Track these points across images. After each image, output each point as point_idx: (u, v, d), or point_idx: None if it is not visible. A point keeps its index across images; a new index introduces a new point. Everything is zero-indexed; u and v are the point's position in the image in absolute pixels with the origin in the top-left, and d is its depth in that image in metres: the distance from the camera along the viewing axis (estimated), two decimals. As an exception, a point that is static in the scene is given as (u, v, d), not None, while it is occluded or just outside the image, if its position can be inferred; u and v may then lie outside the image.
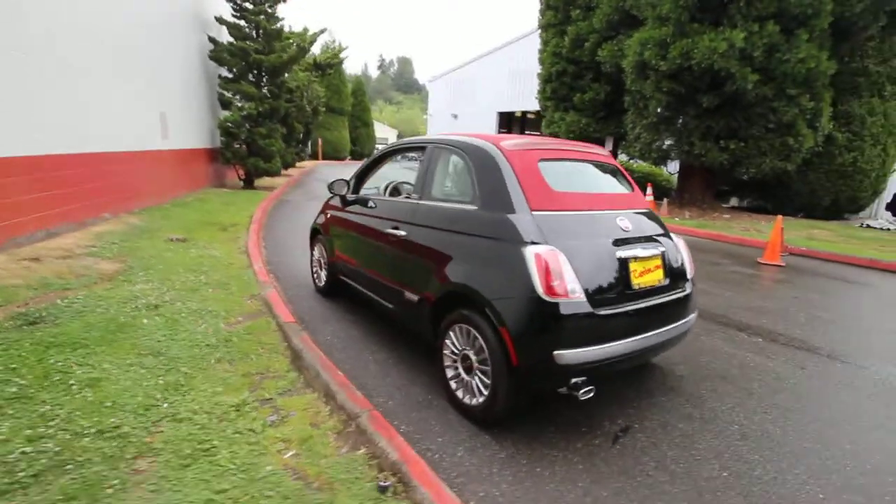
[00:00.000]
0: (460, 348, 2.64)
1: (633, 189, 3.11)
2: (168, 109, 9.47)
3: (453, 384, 2.70)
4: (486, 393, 2.46)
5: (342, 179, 4.11)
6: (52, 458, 1.98)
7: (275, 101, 12.43)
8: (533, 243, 2.34)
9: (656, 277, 2.67)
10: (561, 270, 2.27)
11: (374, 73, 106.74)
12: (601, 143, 12.52)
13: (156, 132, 8.97)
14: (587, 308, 2.30)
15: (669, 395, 3.01)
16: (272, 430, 2.34)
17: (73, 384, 2.55)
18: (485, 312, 2.41)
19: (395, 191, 4.19)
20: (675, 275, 2.82)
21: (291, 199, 11.95)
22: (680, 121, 9.74)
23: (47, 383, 2.53)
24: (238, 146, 12.28)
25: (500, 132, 26.53)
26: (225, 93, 12.02)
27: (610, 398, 2.91)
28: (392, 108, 72.60)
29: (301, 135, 20.26)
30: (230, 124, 11.69)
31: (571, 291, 2.26)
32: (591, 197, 2.78)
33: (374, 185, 4.26)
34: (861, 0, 8.23)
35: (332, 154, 32.42)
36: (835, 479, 2.26)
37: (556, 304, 2.24)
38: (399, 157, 3.95)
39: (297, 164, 21.61)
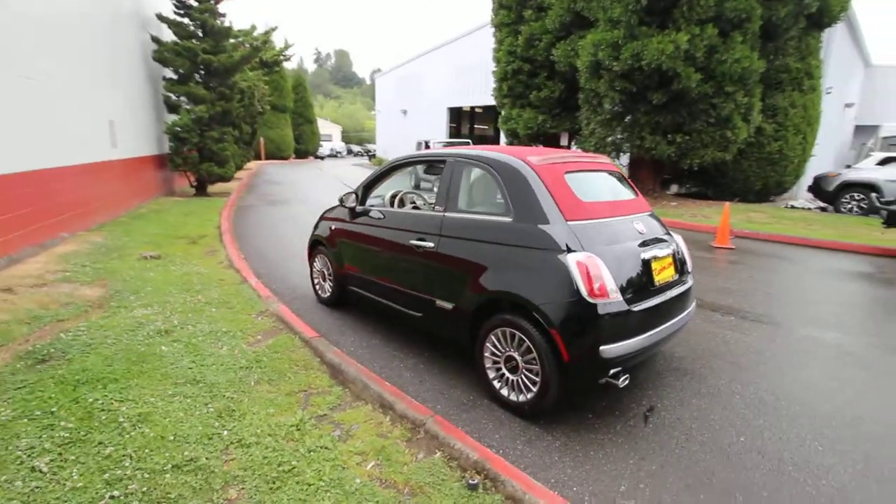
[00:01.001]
0: (503, 350, 2.85)
1: (636, 194, 3.44)
2: (116, 116, 8.83)
3: (497, 384, 2.91)
4: (534, 389, 2.69)
5: (351, 192, 4.16)
6: (143, 499, 1.98)
7: (227, 103, 11.90)
8: (572, 251, 2.58)
9: (670, 273, 3.01)
10: (601, 274, 2.53)
11: (310, 66, 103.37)
12: (557, 139, 13.13)
13: (104, 141, 8.35)
14: (624, 306, 2.58)
15: (677, 375, 3.39)
16: (343, 445, 2.43)
17: (122, 421, 2.49)
18: (532, 316, 2.63)
19: (401, 202, 4.29)
20: (682, 269, 3.18)
21: (250, 204, 11.54)
22: (630, 117, 10.42)
23: (96, 423, 2.45)
24: (188, 152, 11.66)
25: (450, 127, 26.82)
26: (171, 95, 11.35)
27: (629, 384, 3.24)
28: (333, 103, 70.79)
29: (248, 136, 19.45)
30: (179, 129, 11.07)
31: (611, 292, 2.53)
32: (611, 205, 3.07)
33: (374, 195, 4.31)
34: (786, 5, 9.24)
35: (276, 153, 31.28)
36: (827, 433, 2.70)
37: (599, 305, 2.50)
38: (409, 169, 4.04)
39: (244, 167, 20.75)
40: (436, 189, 3.46)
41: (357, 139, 61.34)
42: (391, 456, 2.35)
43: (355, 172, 23.13)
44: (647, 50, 9.01)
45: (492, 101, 24.12)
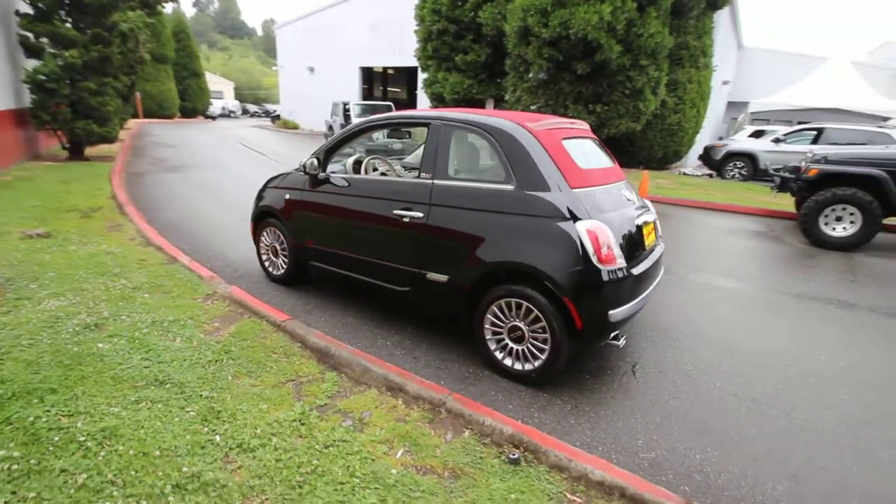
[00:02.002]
0: (506, 321, 2.82)
1: (614, 162, 3.53)
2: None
3: (499, 354, 2.89)
4: (542, 357, 2.71)
5: (312, 157, 3.73)
6: (151, 529, 1.64)
7: (105, 48, 9.94)
8: (579, 219, 2.59)
9: (653, 238, 3.18)
10: (609, 241, 2.58)
11: (188, 11, 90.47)
12: (482, 105, 13.11)
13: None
14: (626, 271, 2.67)
15: (645, 331, 3.67)
16: (362, 435, 2.25)
17: (84, 440, 2.03)
18: (541, 285, 2.62)
19: (366, 169, 3.97)
20: (658, 234, 3.38)
21: (144, 171, 10.01)
22: (555, 86, 10.73)
23: (49, 447, 1.97)
24: (57, 106, 9.63)
25: (363, 89, 25.49)
26: (30, 36, 9.16)
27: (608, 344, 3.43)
28: (221, 56, 63.22)
29: (126, 89, 16.70)
30: (44, 77, 9.05)
31: (617, 257, 2.60)
32: (602, 172, 3.11)
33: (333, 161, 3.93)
34: (692, -14, 10.04)
35: (157, 111, 27.42)
36: (775, 376, 3.12)
37: (607, 271, 2.56)
38: (379, 133, 3.72)
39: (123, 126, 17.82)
40: (405, 155, 3.24)
41: (252, 97, 56.00)
42: (418, 440, 2.23)
43: (259, 136, 21.18)
44: (574, 18, 9.22)
45: (405, 63, 23.45)
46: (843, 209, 6.08)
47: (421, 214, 3.04)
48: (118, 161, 10.73)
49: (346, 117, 14.97)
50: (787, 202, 8.25)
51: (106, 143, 11.05)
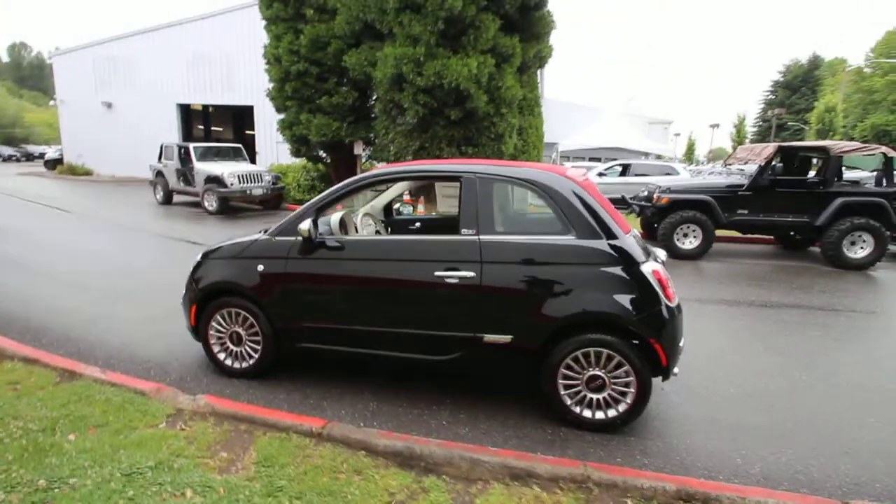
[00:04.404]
0: (582, 372, 2.79)
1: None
2: None
3: (577, 408, 2.83)
4: (627, 401, 2.76)
5: (302, 216, 3.12)
6: None
7: None
8: (642, 262, 2.76)
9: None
10: (669, 278, 2.81)
11: None
12: (351, 147, 12.82)
13: None
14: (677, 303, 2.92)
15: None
16: None
17: None
18: (627, 330, 2.68)
19: (345, 225, 3.51)
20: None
21: None
22: (431, 130, 11.23)
23: None
24: None
25: (181, 128, 22.36)
26: None
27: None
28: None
29: None
30: None
31: (674, 293, 2.84)
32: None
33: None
34: (532, 48, 11.77)
35: None
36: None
37: (675, 307, 2.78)
38: (385, 188, 3.34)
39: None
40: (405, 209, 3.01)
41: (5, 137, 43.73)
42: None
43: (42, 187, 16.70)
44: (448, 70, 9.88)
45: (234, 101, 21.46)
46: (688, 227, 7.80)
47: (473, 273, 2.82)
48: None
49: (184, 161, 12.85)
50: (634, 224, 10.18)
51: None
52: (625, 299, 2.69)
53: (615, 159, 18.20)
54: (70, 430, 2.52)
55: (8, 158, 36.86)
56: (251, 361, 3.34)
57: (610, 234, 2.78)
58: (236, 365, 3.38)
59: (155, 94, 21.28)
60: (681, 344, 2.82)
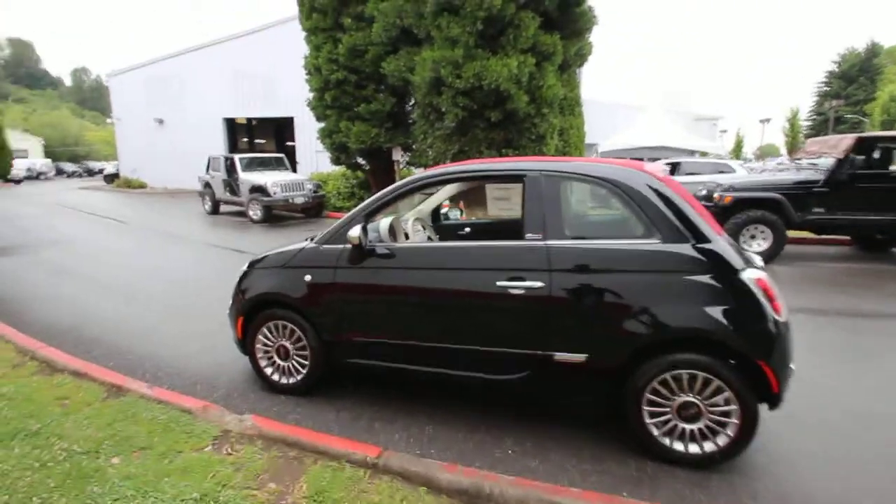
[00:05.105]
0: (672, 398, 2.41)
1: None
2: None
3: (666, 440, 2.45)
4: (727, 432, 2.35)
5: (351, 222, 2.91)
6: None
7: None
8: (742, 269, 2.36)
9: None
10: (775, 288, 2.40)
11: (-36, 55, 73.33)
12: (390, 153, 12.76)
13: None
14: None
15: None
16: None
17: None
18: (728, 349, 2.29)
19: (395, 232, 3.28)
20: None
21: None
22: (470, 133, 10.98)
23: None
24: None
25: (227, 141, 23.15)
26: None
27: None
28: (20, 109, 52.01)
29: None
30: None
31: (783, 306, 2.42)
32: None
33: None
34: (574, 45, 11.33)
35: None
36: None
37: (785, 323, 2.36)
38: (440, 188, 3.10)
39: None
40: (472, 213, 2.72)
41: (68, 155, 47.02)
42: None
43: (98, 200, 17.62)
44: (487, 71, 9.61)
45: (276, 113, 22.02)
46: (755, 228, 7.14)
47: (541, 284, 2.51)
48: None
49: (230, 171, 13.19)
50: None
51: None
52: (724, 313, 2.30)
53: (658, 158, 17.36)
54: (114, 452, 2.39)
55: (71, 174, 39.54)
56: (299, 377, 3.15)
57: (701, 237, 2.41)
58: (283, 380, 3.20)
59: (202, 110, 22.17)
60: (792, 366, 2.39)
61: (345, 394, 3.19)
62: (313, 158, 19.87)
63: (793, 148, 38.46)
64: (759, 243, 7.14)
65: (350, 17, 11.64)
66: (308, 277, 3.00)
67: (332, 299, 2.95)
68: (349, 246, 2.87)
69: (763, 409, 2.34)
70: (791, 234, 7.52)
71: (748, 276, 2.34)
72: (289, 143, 24.11)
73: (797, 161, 8.68)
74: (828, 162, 7.29)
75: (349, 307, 2.93)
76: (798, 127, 43.18)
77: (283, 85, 20.21)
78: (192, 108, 22.38)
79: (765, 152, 50.32)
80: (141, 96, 23.36)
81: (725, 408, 2.34)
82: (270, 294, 3.12)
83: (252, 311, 3.19)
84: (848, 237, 8.21)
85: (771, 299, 2.34)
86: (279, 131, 27.93)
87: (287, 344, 3.14)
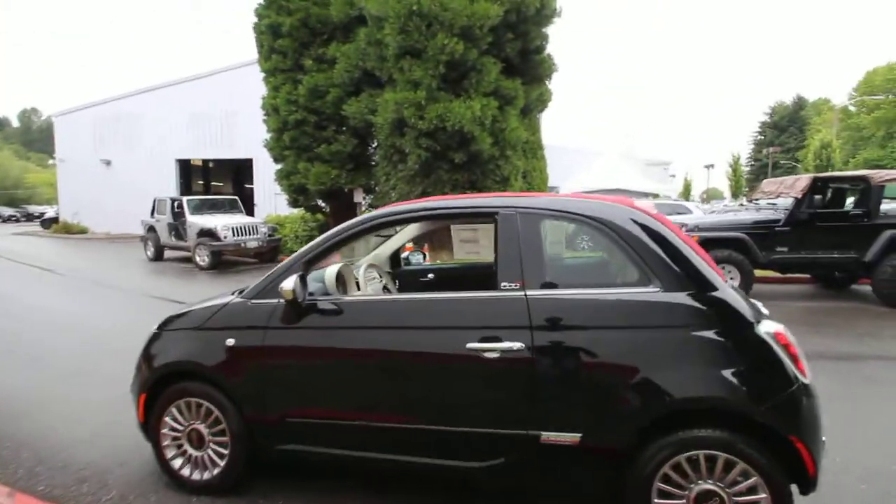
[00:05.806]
0: (687, 487, 1.93)
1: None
2: None
3: (680, 539, 1.94)
4: (757, 530, 1.88)
5: (286, 271, 2.37)
6: None
7: None
8: (756, 322, 1.99)
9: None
10: (797, 345, 2.03)
11: None
12: (351, 195, 12.33)
13: None
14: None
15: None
16: None
17: None
18: (752, 423, 1.86)
19: (344, 281, 2.78)
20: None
21: None
22: (434, 174, 10.76)
23: None
24: None
25: (180, 183, 22.14)
26: None
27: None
28: (-48, 150, 48.71)
29: None
30: None
31: (805, 365, 2.04)
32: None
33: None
34: (535, 91, 11.55)
35: None
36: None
37: (810, 385, 1.97)
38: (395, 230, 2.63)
39: None
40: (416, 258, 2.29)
41: (7, 199, 44.02)
42: None
43: (32, 247, 16.14)
44: (450, 112, 9.52)
45: (234, 155, 21.35)
46: (723, 268, 7.04)
47: (521, 345, 2.03)
48: None
49: (177, 214, 12.32)
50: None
51: None
52: (741, 377, 1.90)
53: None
54: None
55: (8, 219, 36.82)
56: (216, 471, 2.47)
57: (706, 285, 2.03)
58: (196, 475, 2.50)
59: (154, 151, 21.23)
60: (824, 438, 1.98)
61: (279, 485, 2.52)
62: (272, 201, 19.15)
63: (737, 191, 41.02)
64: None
65: (311, 59, 11.48)
66: (230, 341, 2.40)
67: (260, 368, 2.35)
68: (283, 301, 2.32)
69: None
70: (755, 273, 7.48)
71: (766, 329, 1.96)
72: (248, 186, 23.34)
73: (755, 201, 8.86)
74: (786, 202, 7.40)
75: (282, 379, 2.35)
76: (740, 171, 46.37)
77: (243, 126, 19.73)
78: (144, 149, 21.41)
79: (711, 195, 53.54)
80: (87, 137, 22.22)
81: (752, 497, 1.87)
82: (181, 363, 2.48)
83: (158, 385, 2.53)
84: (808, 275, 8.30)
85: (794, 358, 1.96)
86: (238, 173, 27.14)
87: (201, 428, 2.48)
